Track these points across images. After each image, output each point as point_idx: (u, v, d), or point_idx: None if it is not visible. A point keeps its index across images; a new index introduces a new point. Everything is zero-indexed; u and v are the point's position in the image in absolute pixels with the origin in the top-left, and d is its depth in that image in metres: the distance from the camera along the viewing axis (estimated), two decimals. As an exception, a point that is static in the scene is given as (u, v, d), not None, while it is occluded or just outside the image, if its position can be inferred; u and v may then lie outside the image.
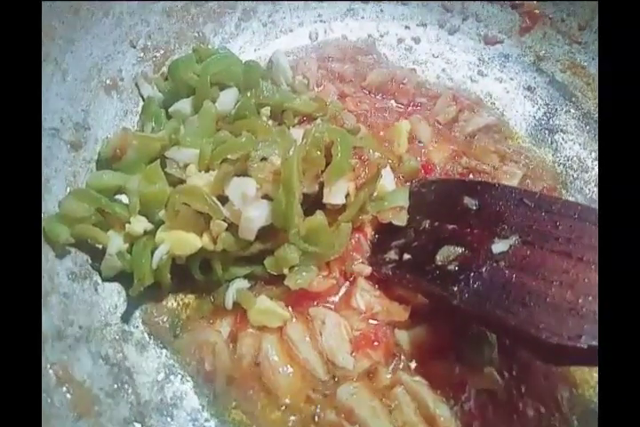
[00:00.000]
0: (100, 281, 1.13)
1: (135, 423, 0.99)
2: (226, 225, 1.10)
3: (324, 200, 1.18)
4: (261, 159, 1.15)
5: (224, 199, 1.13)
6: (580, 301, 0.93)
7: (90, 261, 1.13)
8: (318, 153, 1.16)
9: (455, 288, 1.06)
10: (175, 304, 1.18)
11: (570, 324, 0.91)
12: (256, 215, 1.11)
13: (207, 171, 1.16)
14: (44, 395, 0.87)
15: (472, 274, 1.07)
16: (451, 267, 1.11)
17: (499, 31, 1.73)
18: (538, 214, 1.11)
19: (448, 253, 1.14)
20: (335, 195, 1.18)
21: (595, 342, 0.86)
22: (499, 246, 1.10)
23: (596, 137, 1.60)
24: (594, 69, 1.63)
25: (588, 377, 1.19)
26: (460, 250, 1.14)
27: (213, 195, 1.12)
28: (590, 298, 0.93)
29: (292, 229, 1.12)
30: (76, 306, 1.05)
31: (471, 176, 1.48)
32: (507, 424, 1.10)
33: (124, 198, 1.19)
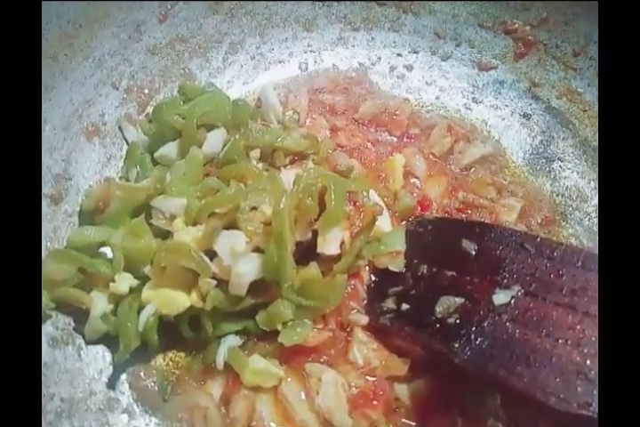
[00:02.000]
0: (83, 345, 1.08)
1: None
2: (215, 283, 1.05)
3: (318, 250, 1.14)
4: (251, 208, 1.11)
5: (213, 253, 1.08)
6: (587, 362, 0.89)
7: (72, 324, 1.08)
8: (311, 201, 1.12)
9: (456, 345, 1.02)
10: (164, 364, 1.13)
11: (578, 389, 0.87)
12: (246, 270, 1.06)
13: (194, 224, 1.11)
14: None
15: (473, 329, 1.03)
16: (451, 320, 1.07)
17: (492, 57, 1.68)
18: (539, 261, 1.08)
19: (448, 304, 1.10)
20: (330, 245, 1.14)
21: (606, 411, 0.82)
22: (500, 297, 1.05)
23: (594, 165, 1.56)
24: (590, 96, 1.59)
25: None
26: (460, 300, 1.10)
27: (201, 250, 1.07)
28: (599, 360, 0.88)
29: (285, 282, 1.08)
30: (58, 376, 1.00)
31: (469, 211, 1.43)
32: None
33: (107, 251, 1.15)
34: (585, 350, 0.90)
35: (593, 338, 0.92)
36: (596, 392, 0.85)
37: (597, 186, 1.54)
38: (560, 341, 0.94)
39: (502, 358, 0.96)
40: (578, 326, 0.94)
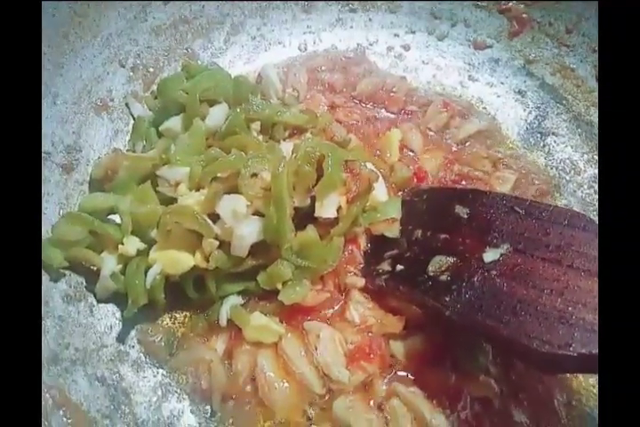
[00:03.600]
0: (95, 302, 1.15)
1: (133, 444, 1.01)
2: (217, 243, 1.11)
3: (316, 214, 1.19)
4: (252, 175, 1.17)
5: (215, 217, 1.14)
6: (569, 309, 0.94)
7: (84, 283, 1.15)
8: (309, 167, 1.17)
9: (447, 298, 1.07)
10: (170, 322, 1.20)
11: (560, 332, 0.91)
12: (247, 232, 1.12)
13: (198, 189, 1.17)
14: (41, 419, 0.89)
15: (464, 284, 1.07)
16: (443, 277, 1.12)
17: (488, 36, 1.72)
18: (528, 222, 1.12)
19: (440, 264, 1.15)
20: (327, 209, 1.19)
21: (584, 350, 0.87)
22: (490, 255, 1.10)
23: (587, 139, 1.60)
24: (583, 72, 1.63)
25: (585, 382, 1.19)
26: (451, 260, 1.14)
27: (204, 213, 1.13)
28: (580, 306, 0.93)
29: (285, 244, 1.13)
30: (72, 329, 1.07)
31: (464, 183, 1.48)
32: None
33: (116, 218, 1.21)
34: (567, 298, 0.95)
35: (575, 287, 0.96)
36: (576, 334, 0.89)
37: (597, 162, 1.58)
38: (545, 291, 0.98)
39: (490, 309, 1.01)
40: (562, 278, 0.98)
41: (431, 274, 1.14)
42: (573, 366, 0.93)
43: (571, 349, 0.88)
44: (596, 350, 0.87)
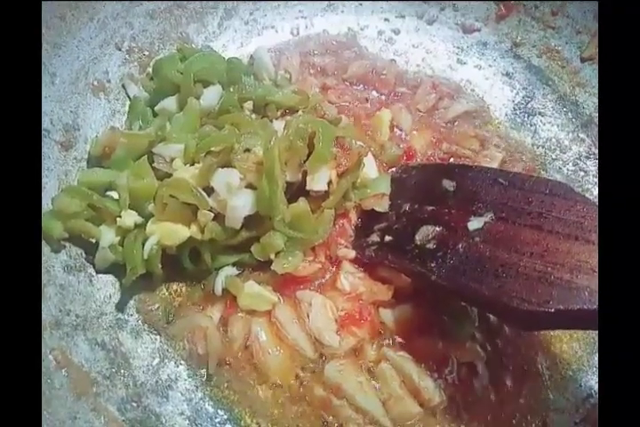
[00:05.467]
0: (94, 273, 1.19)
1: (132, 403, 1.06)
2: (212, 215, 1.15)
3: (307, 187, 1.22)
4: (244, 150, 1.21)
5: (210, 190, 1.18)
6: (548, 269, 0.98)
7: (84, 254, 1.19)
8: (300, 143, 1.21)
9: (433, 264, 1.11)
10: (167, 293, 1.24)
11: (539, 291, 0.96)
12: (241, 204, 1.16)
13: (192, 164, 1.21)
14: (44, 378, 0.94)
15: (449, 251, 1.12)
16: (429, 245, 1.16)
17: (476, 20, 1.76)
18: (511, 192, 1.16)
19: (427, 233, 1.19)
20: (318, 182, 1.23)
21: (561, 306, 0.91)
22: (474, 224, 1.14)
23: (573, 118, 1.64)
24: (568, 53, 1.67)
25: (567, 346, 1.24)
26: (438, 229, 1.18)
27: (199, 186, 1.17)
28: (558, 266, 0.98)
29: (277, 216, 1.17)
30: (72, 296, 1.12)
31: (452, 160, 1.52)
32: (489, 394, 1.16)
33: (114, 195, 1.24)
34: (547, 260, 0.99)
35: (554, 250, 1.00)
36: (554, 292, 0.94)
37: (581, 140, 1.63)
38: (526, 254, 1.02)
39: (474, 273, 1.05)
40: (542, 242, 1.02)
41: (418, 243, 1.18)
42: (551, 322, 0.98)
43: (549, 305, 0.92)
44: (571, 306, 0.91)
